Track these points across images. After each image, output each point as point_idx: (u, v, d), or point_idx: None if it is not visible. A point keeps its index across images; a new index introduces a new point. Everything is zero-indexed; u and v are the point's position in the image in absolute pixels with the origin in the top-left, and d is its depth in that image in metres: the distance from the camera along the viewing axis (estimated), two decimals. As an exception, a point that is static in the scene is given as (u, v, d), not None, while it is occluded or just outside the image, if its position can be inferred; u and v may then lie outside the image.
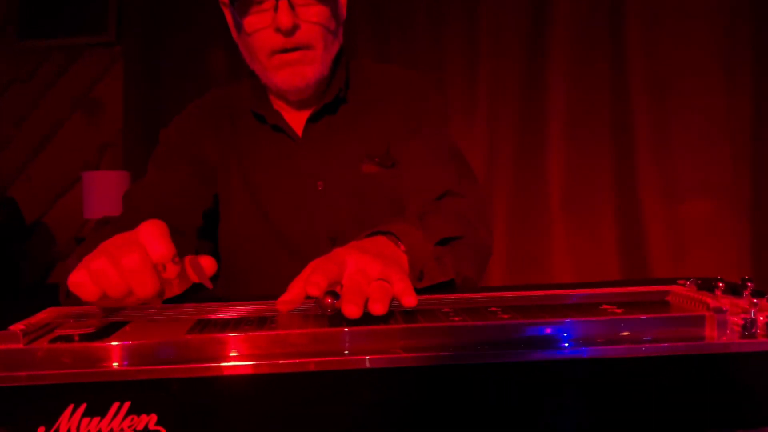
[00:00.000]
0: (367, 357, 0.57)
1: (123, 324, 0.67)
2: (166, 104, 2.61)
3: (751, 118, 2.27)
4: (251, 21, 1.01)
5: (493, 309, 0.70)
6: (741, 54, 2.25)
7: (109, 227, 0.99)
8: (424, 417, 0.58)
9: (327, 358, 0.57)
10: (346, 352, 0.60)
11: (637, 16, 2.28)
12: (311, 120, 1.12)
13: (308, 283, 0.66)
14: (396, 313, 0.69)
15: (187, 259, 0.71)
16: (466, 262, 0.93)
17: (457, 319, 0.65)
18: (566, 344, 0.61)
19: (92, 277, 0.65)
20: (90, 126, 2.77)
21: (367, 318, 0.65)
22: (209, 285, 0.71)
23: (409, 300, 0.68)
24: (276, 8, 0.98)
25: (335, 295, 0.66)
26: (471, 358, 0.59)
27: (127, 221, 1.01)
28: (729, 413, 0.61)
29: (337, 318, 0.66)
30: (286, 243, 1.08)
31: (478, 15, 2.35)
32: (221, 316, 0.70)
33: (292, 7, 0.98)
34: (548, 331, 0.63)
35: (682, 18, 2.27)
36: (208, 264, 0.71)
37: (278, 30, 0.99)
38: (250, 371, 0.57)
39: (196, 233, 1.07)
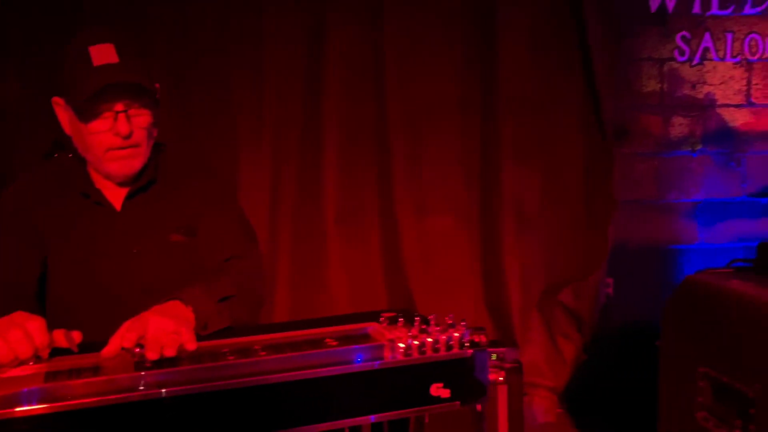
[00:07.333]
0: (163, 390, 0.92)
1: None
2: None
3: (479, 153, 2.89)
4: (94, 125, 1.28)
5: (256, 347, 1.07)
6: (471, 102, 2.86)
7: None
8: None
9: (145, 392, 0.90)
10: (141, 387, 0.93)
11: (395, 67, 2.76)
12: (128, 198, 1.41)
13: (124, 339, 1.05)
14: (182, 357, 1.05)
15: (62, 332, 1.04)
16: (242, 312, 1.31)
17: (231, 358, 1.02)
18: (302, 369, 1.00)
19: None
20: None
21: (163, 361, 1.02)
22: (76, 350, 1.05)
23: (191, 346, 1.08)
24: (116, 118, 1.26)
25: (141, 346, 1.05)
26: (228, 385, 0.95)
27: None
28: (398, 401, 1.04)
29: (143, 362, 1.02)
30: (107, 296, 1.36)
31: (262, 58, 2.66)
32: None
33: (128, 117, 1.27)
34: (295, 362, 1.02)
35: (429, 70, 2.81)
36: (77, 335, 1.06)
37: (117, 134, 1.27)
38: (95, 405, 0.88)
39: (34, 297, 1.31)
